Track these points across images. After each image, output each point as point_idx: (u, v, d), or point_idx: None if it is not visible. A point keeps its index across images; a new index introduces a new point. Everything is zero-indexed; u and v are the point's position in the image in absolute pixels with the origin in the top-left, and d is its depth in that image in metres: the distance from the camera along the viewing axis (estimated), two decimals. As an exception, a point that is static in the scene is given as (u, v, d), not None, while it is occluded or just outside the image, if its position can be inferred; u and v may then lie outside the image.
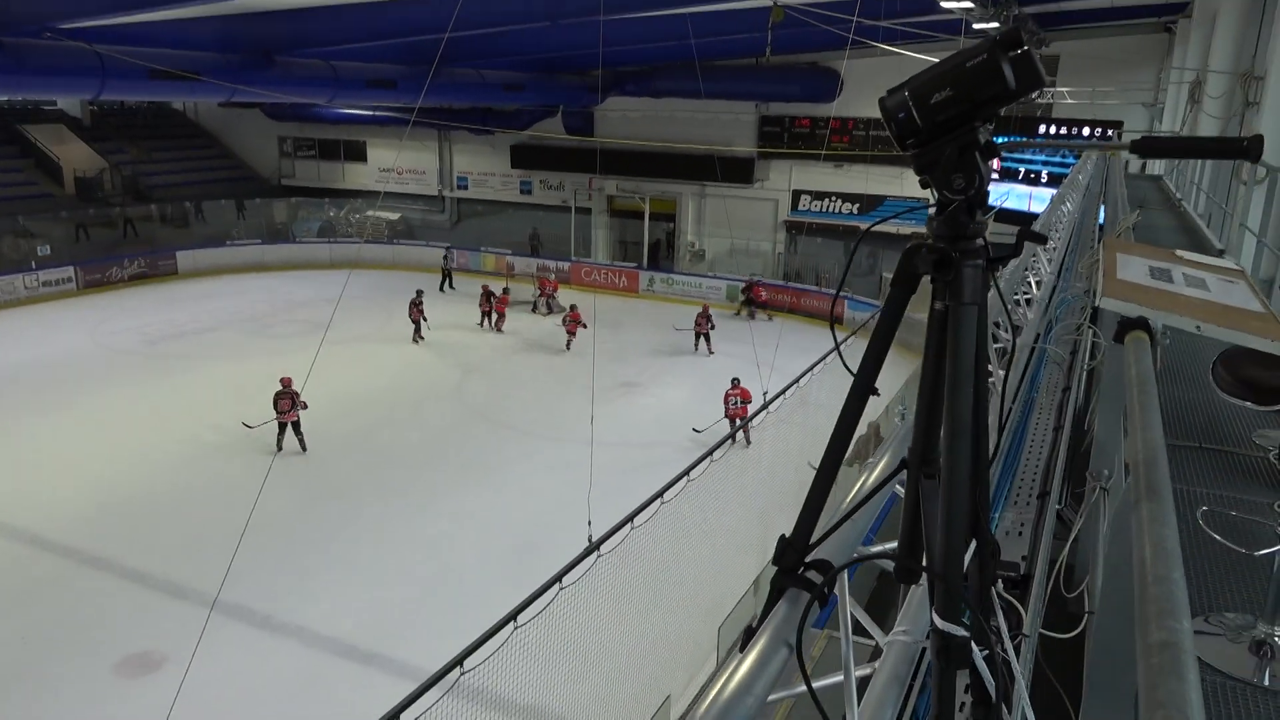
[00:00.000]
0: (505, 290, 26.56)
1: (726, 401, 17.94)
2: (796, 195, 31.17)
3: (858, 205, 29.80)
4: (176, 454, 16.38)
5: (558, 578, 5.42)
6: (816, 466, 1.62)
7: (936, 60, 1.50)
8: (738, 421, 17.31)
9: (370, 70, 22.57)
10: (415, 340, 23.92)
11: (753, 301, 27.83)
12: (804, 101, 29.46)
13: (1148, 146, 1.70)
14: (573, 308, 24.31)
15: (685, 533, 7.66)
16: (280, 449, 16.16)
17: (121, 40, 16.65)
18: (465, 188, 36.96)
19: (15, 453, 16.56)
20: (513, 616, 5.02)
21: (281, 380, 16.35)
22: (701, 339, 24.00)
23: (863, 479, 1.88)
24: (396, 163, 37.69)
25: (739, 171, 30.91)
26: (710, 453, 7.81)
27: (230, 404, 17.74)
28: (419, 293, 24.55)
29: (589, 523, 6.86)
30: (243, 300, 28.19)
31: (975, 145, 1.42)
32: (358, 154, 38.11)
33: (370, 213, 37.66)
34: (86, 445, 16.93)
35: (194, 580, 11.71)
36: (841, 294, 26.46)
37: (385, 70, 22.54)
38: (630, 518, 6.34)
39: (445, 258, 31.26)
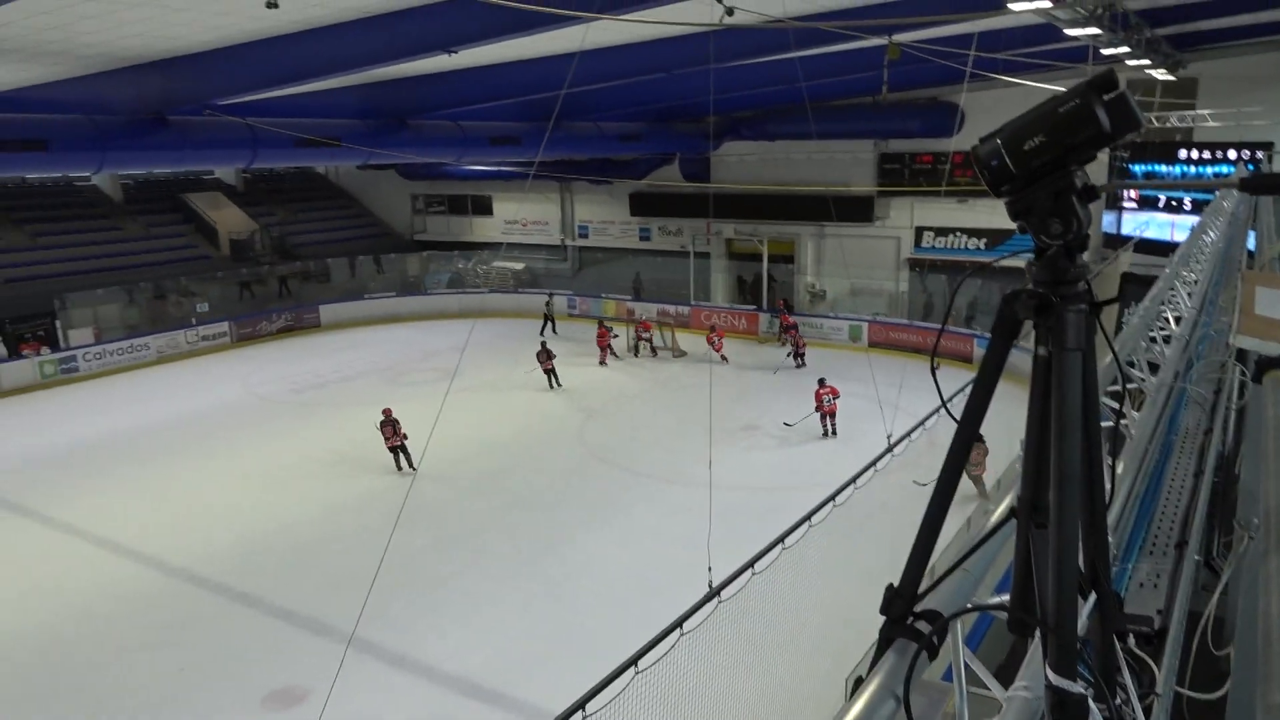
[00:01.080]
0: (603, 325, 27.87)
1: (820, 399, 19.98)
2: (919, 232, 30.52)
3: (984, 240, 28.92)
4: (319, 497, 17.26)
5: (678, 623, 5.40)
6: (923, 483, 1.61)
7: (1061, 90, 1.49)
8: (829, 418, 19.95)
9: (494, 128, 23.58)
10: (551, 386, 24.56)
11: (785, 326, 28.48)
12: (925, 137, 28.95)
13: (1258, 184, 1.63)
14: (714, 327, 26.57)
15: (809, 577, 7.51)
16: (400, 469, 18.28)
17: (270, 113, 18.05)
18: (586, 236, 37.89)
19: (175, 495, 17.83)
20: (633, 661, 5.03)
21: (383, 411, 18.60)
22: (798, 356, 26.00)
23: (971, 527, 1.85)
24: (520, 214, 39.06)
25: (858, 210, 30.53)
26: (833, 497, 7.66)
27: (369, 450, 18.55)
28: (542, 344, 25.46)
29: (709, 568, 6.82)
30: (379, 350, 29.60)
31: (1071, 189, 1.40)
32: (484, 208, 39.72)
33: (496, 263, 39.07)
34: (238, 488, 18.07)
35: (334, 617, 12.25)
36: (970, 332, 25.60)
37: (508, 128, 23.51)
38: (751, 563, 6.28)
39: (547, 303, 32.45)
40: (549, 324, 31.30)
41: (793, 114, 27.80)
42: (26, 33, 12.45)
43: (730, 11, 11.41)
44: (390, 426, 18.27)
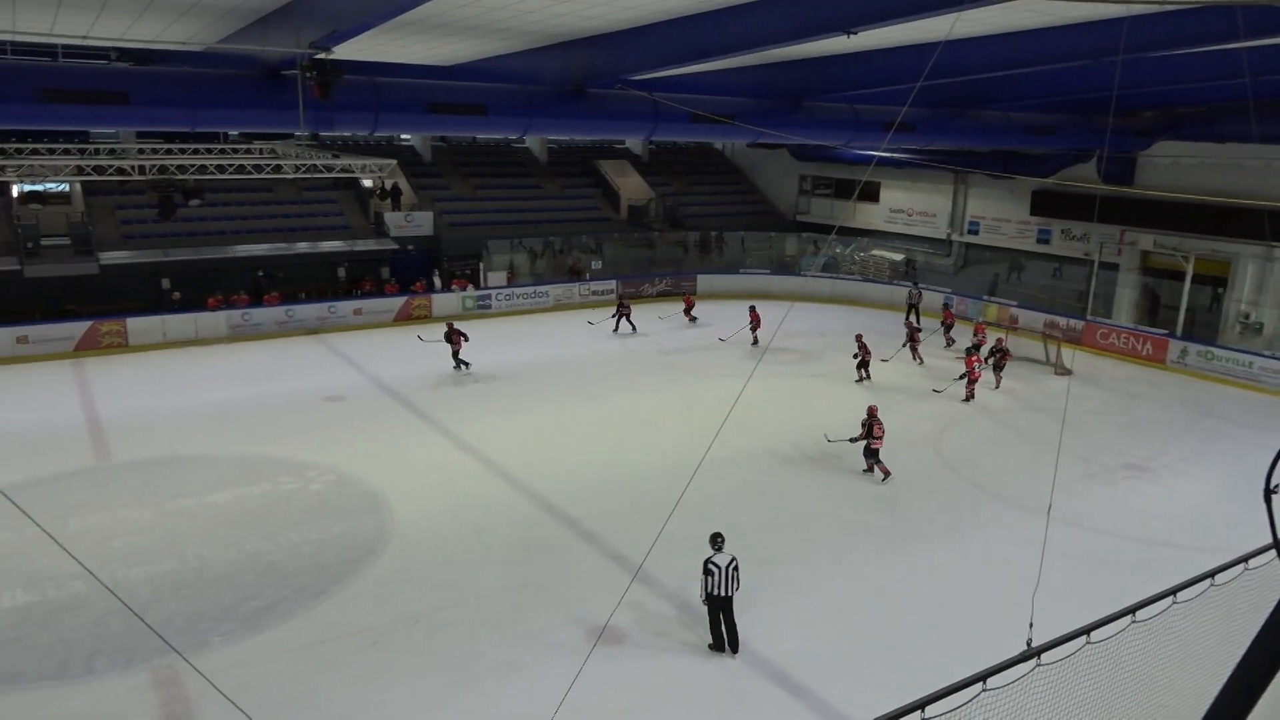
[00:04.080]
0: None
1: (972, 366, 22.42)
2: None
3: None
4: (666, 456, 18.14)
5: (982, 677, 4.84)
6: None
7: None
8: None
9: (889, 113, 22.78)
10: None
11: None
12: None
13: None
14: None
15: (1161, 662, 6.38)
16: (457, 367, 24.14)
17: (672, 89, 19.06)
18: (976, 233, 35.53)
19: (548, 429, 19.87)
20: (920, 706, 4.61)
21: (447, 323, 24.98)
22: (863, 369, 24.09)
23: None
24: (908, 204, 37.64)
25: (1327, 233, 25.18)
26: (1214, 573, 6.40)
27: (718, 417, 19.05)
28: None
29: (1030, 624, 6.04)
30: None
31: None
32: (871, 194, 38.80)
33: (875, 251, 38.13)
34: (599, 433, 19.67)
35: (660, 573, 12.88)
36: None
37: (905, 113, 22.56)
38: (1088, 630, 5.44)
39: (910, 294, 31.16)
40: (913, 314, 30.18)
41: (1256, 112, 23.54)
42: (482, 12, 14.27)
43: (1180, -11, 9.81)
44: (457, 334, 24.17)
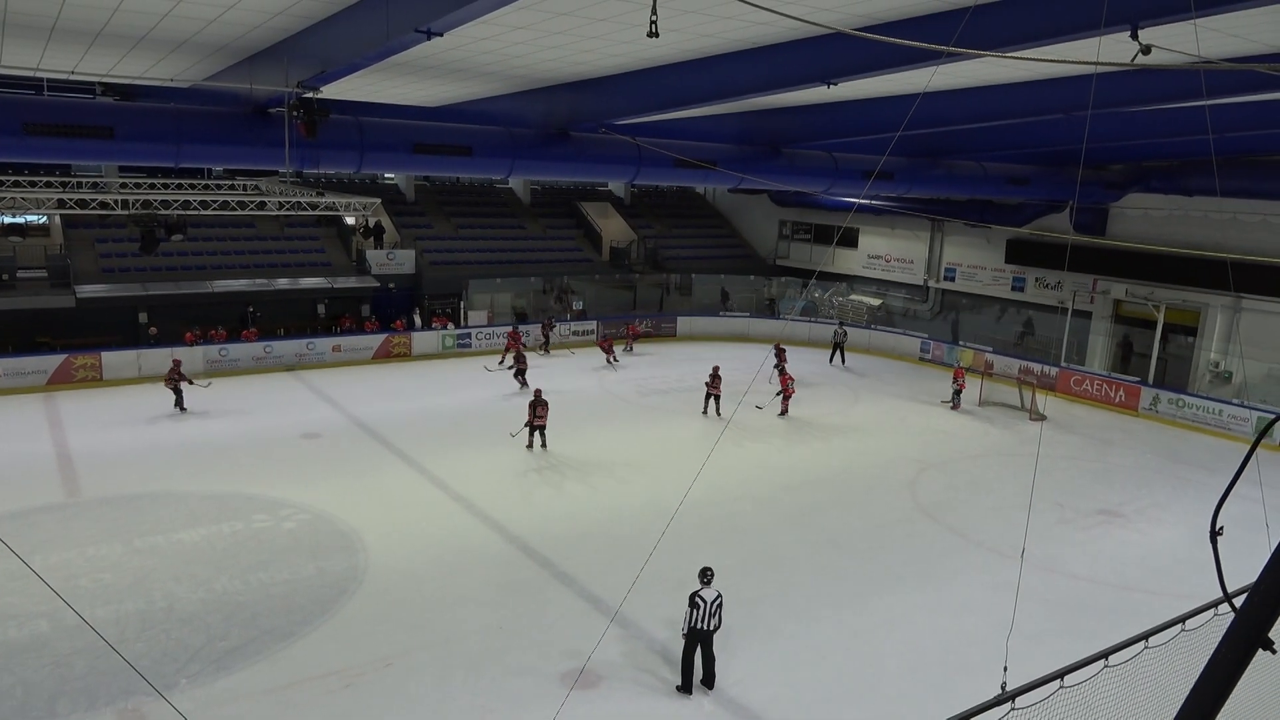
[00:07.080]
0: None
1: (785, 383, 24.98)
2: (1374, 319, 25.11)
3: None
4: (643, 496, 18.13)
5: None
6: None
7: None
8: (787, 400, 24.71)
9: (868, 161, 23.22)
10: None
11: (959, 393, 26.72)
12: (1399, 205, 23.72)
13: None
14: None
15: (1135, 708, 6.41)
16: (180, 408, 23.27)
17: (655, 133, 19.38)
18: (952, 279, 36.06)
19: (523, 468, 19.75)
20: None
21: (173, 360, 24.09)
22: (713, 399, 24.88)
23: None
24: (886, 250, 38.18)
25: (1293, 285, 25.81)
26: (1184, 619, 6.47)
27: (696, 458, 19.10)
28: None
29: (1005, 668, 6.07)
30: (724, 366, 30.44)
31: None
32: (849, 240, 39.37)
33: (853, 296, 38.56)
34: (575, 473, 19.58)
35: (637, 614, 12.80)
36: None
37: (882, 162, 23.02)
38: (1061, 674, 5.48)
39: (835, 333, 32.68)
40: (838, 354, 31.69)
41: (1221, 167, 24.22)
42: (470, 56, 14.50)
43: (1147, 50, 10.13)
44: (175, 368, 23.27)
